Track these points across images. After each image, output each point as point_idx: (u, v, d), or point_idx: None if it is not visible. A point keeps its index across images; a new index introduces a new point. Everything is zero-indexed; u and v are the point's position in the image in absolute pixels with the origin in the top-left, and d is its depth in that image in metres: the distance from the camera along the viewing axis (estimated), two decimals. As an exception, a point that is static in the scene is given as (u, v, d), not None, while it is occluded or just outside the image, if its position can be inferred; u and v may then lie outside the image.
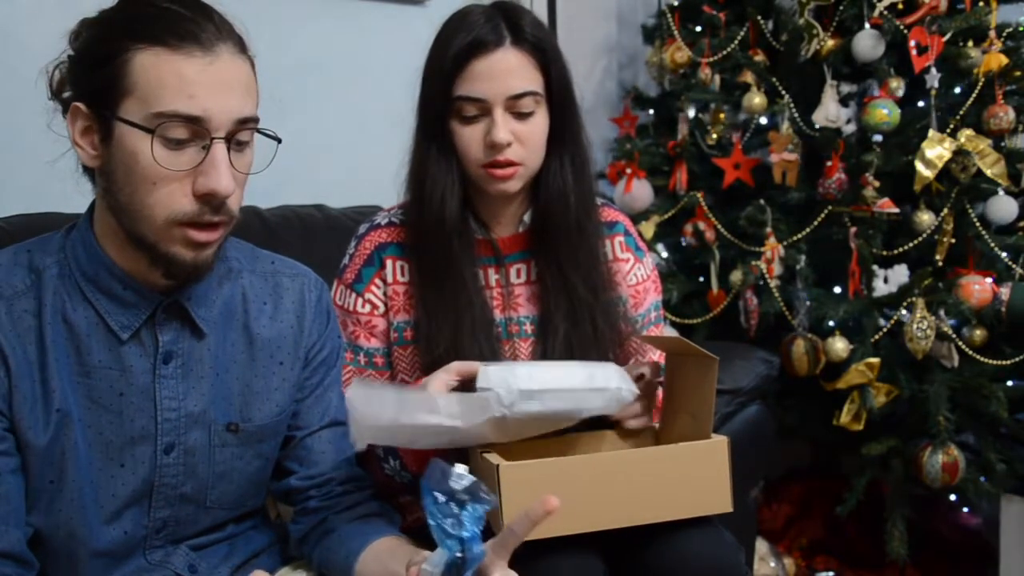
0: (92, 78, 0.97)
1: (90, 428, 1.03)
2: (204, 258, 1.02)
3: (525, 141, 1.26)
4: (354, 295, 1.34)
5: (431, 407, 1.07)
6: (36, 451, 1.01)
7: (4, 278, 1.03)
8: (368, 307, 1.34)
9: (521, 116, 1.25)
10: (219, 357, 1.10)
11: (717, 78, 2.38)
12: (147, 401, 1.05)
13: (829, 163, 2.11)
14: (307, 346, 1.18)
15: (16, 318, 1.01)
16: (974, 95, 2.03)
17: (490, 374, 1.09)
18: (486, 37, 1.23)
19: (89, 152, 0.99)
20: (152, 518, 1.08)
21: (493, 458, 1.10)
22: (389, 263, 1.35)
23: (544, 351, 1.32)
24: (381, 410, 1.05)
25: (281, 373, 1.15)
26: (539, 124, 1.27)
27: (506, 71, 1.24)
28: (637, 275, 1.42)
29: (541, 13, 2.57)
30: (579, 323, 1.31)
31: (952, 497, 2.16)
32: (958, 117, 2.05)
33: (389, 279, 1.34)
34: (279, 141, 1.04)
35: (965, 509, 2.29)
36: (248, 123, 1.00)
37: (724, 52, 2.33)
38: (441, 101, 1.27)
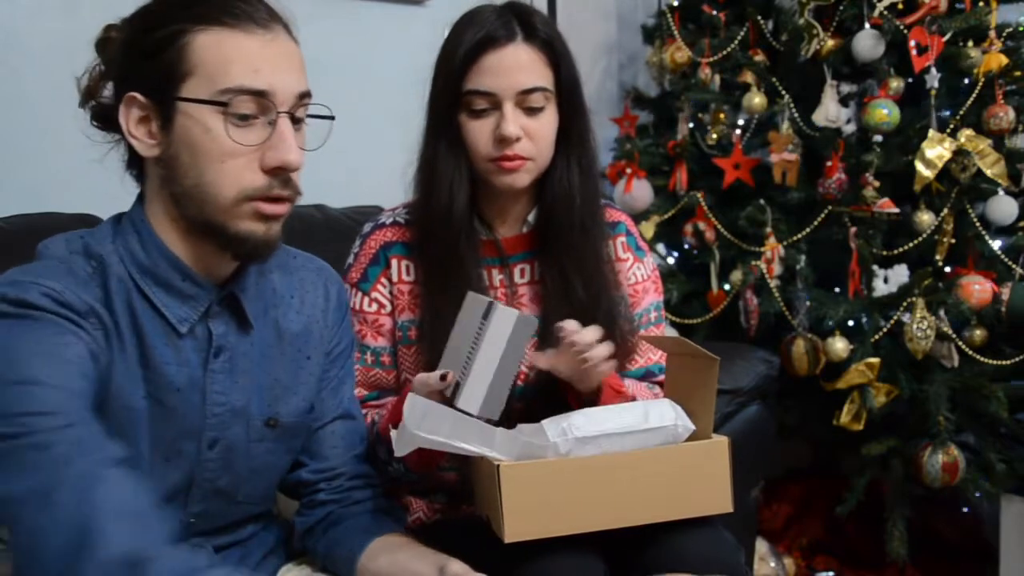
0: (148, 66, 0.97)
1: (149, 422, 1.01)
2: (274, 233, 1.02)
3: (534, 136, 1.26)
4: (360, 294, 1.34)
5: (487, 439, 1.09)
6: (135, 424, 0.99)
7: (69, 264, 0.99)
8: (375, 306, 1.34)
9: (531, 111, 1.26)
10: (256, 351, 1.10)
11: (717, 78, 2.38)
12: (198, 396, 1.04)
13: (829, 163, 2.11)
14: (329, 338, 1.19)
15: (92, 302, 0.98)
16: (974, 95, 2.03)
17: (546, 428, 1.11)
18: (497, 32, 1.24)
19: (146, 142, 0.99)
20: (187, 513, 1.08)
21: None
22: (394, 262, 1.35)
23: (542, 350, 1.32)
24: (436, 427, 1.05)
25: (308, 368, 1.15)
26: (548, 120, 1.28)
27: (516, 66, 1.24)
28: (636, 275, 1.42)
29: (541, 13, 2.57)
30: None
31: (952, 497, 2.16)
32: (958, 117, 2.05)
33: (394, 278, 1.35)
34: (332, 119, 1.05)
35: (965, 509, 2.29)
36: (306, 98, 1.01)
37: (724, 52, 2.33)
38: (451, 95, 1.27)
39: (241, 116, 0.96)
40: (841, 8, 2.15)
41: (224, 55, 0.95)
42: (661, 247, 2.43)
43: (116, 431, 0.96)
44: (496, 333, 1.10)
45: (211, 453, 1.06)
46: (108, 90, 1.04)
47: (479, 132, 1.26)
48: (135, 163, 1.04)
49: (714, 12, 2.40)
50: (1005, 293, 2.02)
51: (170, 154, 0.98)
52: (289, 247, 1.21)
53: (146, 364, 1.01)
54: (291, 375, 1.13)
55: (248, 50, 0.96)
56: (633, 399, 1.29)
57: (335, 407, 1.20)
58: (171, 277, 1.02)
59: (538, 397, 1.31)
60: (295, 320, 1.14)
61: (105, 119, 1.03)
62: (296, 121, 1.01)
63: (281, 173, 0.98)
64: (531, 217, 1.37)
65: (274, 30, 0.98)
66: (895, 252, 2.10)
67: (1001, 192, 2.04)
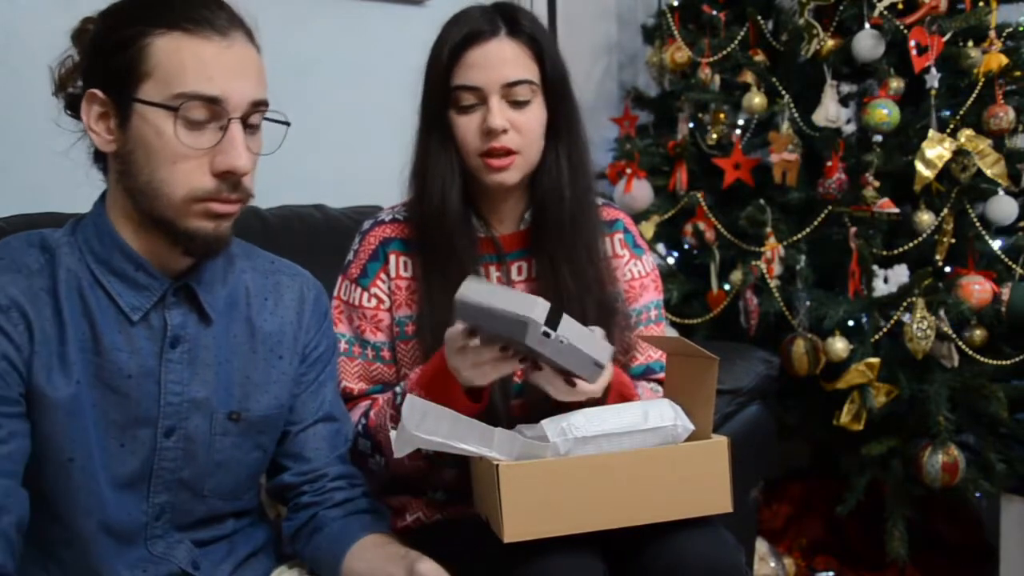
0: (110, 64, 1.00)
1: (96, 407, 1.04)
2: (223, 230, 1.05)
3: (521, 129, 1.28)
4: (360, 290, 1.36)
5: (486, 439, 1.09)
6: (59, 413, 1.01)
7: (19, 258, 1.04)
8: (374, 301, 1.35)
9: (517, 105, 1.28)
10: (223, 346, 1.12)
11: (717, 78, 2.38)
12: (152, 384, 1.07)
13: (829, 163, 2.11)
14: (305, 342, 1.20)
15: (34, 294, 1.03)
16: (974, 95, 2.03)
17: (546, 428, 1.11)
18: (482, 27, 1.27)
19: (105, 137, 1.02)
20: (151, 503, 1.09)
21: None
22: (392, 258, 1.36)
23: None
24: (435, 427, 1.06)
25: (280, 367, 1.17)
26: (535, 113, 1.29)
27: (501, 60, 1.27)
28: (632, 271, 1.43)
29: (541, 13, 2.57)
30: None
31: (952, 497, 2.16)
32: (958, 117, 2.05)
33: (392, 274, 1.36)
34: (288, 124, 1.07)
35: (965, 509, 2.29)
36: (260, 106, 1.04)
37: (724, 52, 2.33)
38: (439, 93, 1.29)
39: (193, 120, 0.99)
40: (841, 8, 2.15)
41: (180, 61, 0.98)
42: (661, 247, 2.43)
43: (38, 418, 1.01)
44: (520, 297, 1.08)
45: (168, 442, 1.08)
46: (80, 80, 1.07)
47: (467, 127, 1.28)
48: (100, 157, 1.08)
49: (714, 12, 2.40)
50: (1005, 293, 2.02)
51: (127, 150, 1.01)
52: (270, 254, 1.23)
53: (97, 351, 1.04)
54: (263, 373, 1.15)
55: (204, 57, 0.99)
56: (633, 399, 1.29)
57: (316, 410, 1.21)
58: (125, 268, 1.05)
59: (537, 396, 1.31)
60: (268, 320, 1.17)
61: (77, 109, 1.06)
62: (250, 127, 1.03)
63: (230, 177, 1.01)
64: (528, 215, 1.37)
65: (232, 37, 1.01)
66: (895, 252, 2.10)
67: (1001, 192, 2.04)
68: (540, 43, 1.29)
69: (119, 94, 1.00)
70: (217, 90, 0.99)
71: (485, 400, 1.21)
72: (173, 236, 1.03)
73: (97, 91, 1.01)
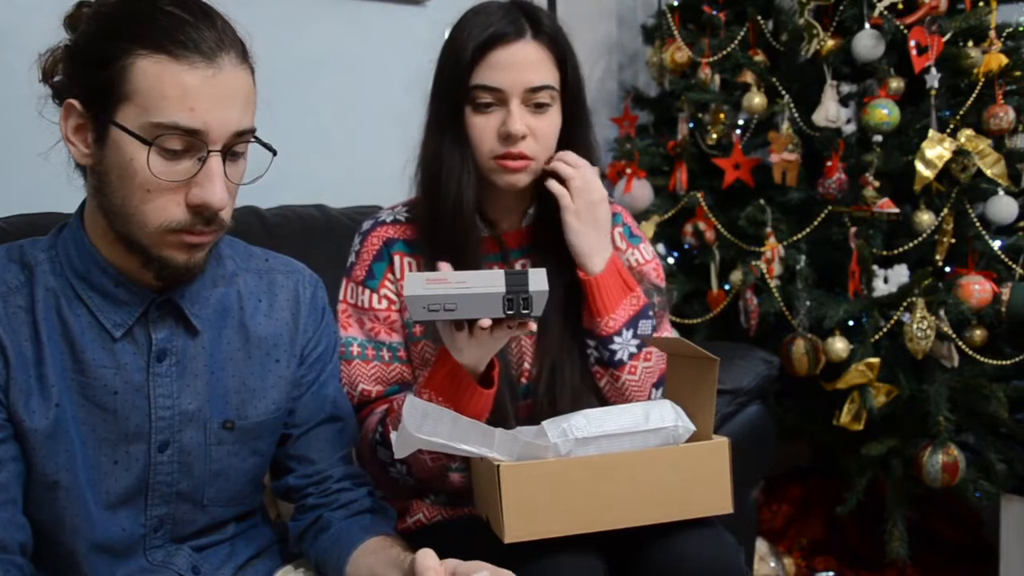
0: (89, 77, 0.96)
1: (84, 425, 1.03)
2: (196, 260, 1.02)
3: (539, 136, 1.27)
4: (368, 292, 1.34)
5: (486, 439, 1.09)
6: (38, 439, 1.00)
7: (2, 274, 1.02)
8: (385, 303, 1.34)
9: (536, 110, 1.26)
10: (214, 355, 1.10)
11: (717, 78, 2.38)
12: (141, 399, 1.05)
13: (829, 163, 2.11)
14: (302, 343, 1.18)
15: (11, 314, 1.01)
16: (974, 95, 2.03)
17: (546, 429, 1.11)
18: (507, 28, 1.24)
19: (81, 150, 0.99)
20: (149, 516, 1.08)
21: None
22: (397, 259, 1.35)
23: (542, 344, 1.33)
24: (436, 428, 1.06)
25: (277, 371, 1.15)
26: (553, 119, 1.28)
27: (525, 63, 1.25)
28: (631, 260, 1.43)
29: (541, 13, 2.57)
30: (571, 316, 1.32)
31: (952, 497, 2.16)
32: (958, 117, 2.05)
33: (398, 275, 1.35)
34: (274, 153, 1.04)
35: (965, 509, 2.29)
36: (245, 135, 1.00)
37: (724, 52, 2.33)
38: (457, 90, 1.26)
39: (169, 150, 0.95)
40: (841, 8, 2.15)
41: (161, 89, 0.93)
42: (661, 247, 2.43)
43: (30, 445, 0.99)
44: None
45: (163, 456, 1.07)
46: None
47: (484, 128, 1.26)
48: (80, 164, 1.04)
49: (714, 12, 2.40)
50: (1005, 293, 2.02)
51: (102, 168, 0.98)
52: (263, 250, 1.20)
53: (80, 370, 1.02)
54: (259, 378, 1.13)
55: (186, 87, 0.93)
56: (634, 292, 1.29)
57: (318, 411, 1.20)
58: (104, 283, 1.03)
59: (539, 394, 1.31)
60: (263, 323, 1.14)
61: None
62: (235, 154, 1.00)
63: (204, 211, 0.97)
64: (532, 211, 1.37)
65: (219, 62, 0.95)
66: (895, 252, 2.10)
67: (1001, 192, 2.04)
68: (562, 47, 1.28)
69: (97, 112, 0.95)
70: (199, 123, 0.94)
71: (495, 383, 1.20)
72: (145, 260, 1.00)
73: (75, 103, 0.96)
